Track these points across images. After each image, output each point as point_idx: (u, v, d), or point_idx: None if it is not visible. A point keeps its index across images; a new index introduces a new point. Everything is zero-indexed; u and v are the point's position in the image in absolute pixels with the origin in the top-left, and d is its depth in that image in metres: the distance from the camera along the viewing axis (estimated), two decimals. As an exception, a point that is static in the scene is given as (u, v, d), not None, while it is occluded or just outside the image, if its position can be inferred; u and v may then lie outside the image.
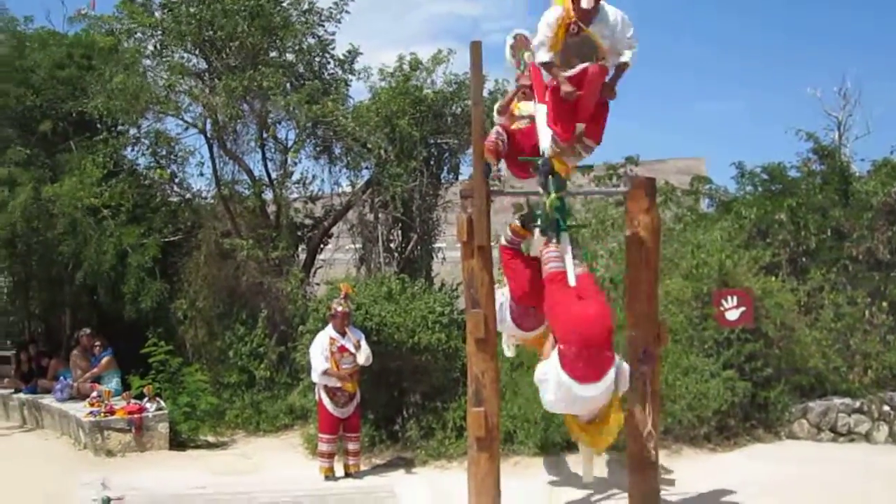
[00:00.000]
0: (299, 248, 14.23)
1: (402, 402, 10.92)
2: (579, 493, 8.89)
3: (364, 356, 9.61)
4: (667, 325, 8.01)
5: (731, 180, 15.60)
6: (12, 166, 12.61)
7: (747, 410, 10.91)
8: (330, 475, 9.69)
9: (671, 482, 9.04)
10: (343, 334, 9.66)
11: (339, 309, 9.68)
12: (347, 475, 9.81)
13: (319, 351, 9.56)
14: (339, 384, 9.55)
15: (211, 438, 11.70)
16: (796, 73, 49.78)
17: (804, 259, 12.85)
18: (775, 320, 11.18)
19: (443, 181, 13.76)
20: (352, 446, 9.86)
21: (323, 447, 9.71)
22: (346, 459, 9.87)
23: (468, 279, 7.60)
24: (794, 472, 9.42)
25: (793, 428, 11.08)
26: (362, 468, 9.98)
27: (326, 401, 9.63)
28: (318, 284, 13.61)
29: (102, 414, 11.31)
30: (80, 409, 11.77)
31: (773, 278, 11.89)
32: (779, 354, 11.20)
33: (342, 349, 9.60)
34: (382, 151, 12.76)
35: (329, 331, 9.70)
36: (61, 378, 12.97)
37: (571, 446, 10.25)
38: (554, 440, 10.20)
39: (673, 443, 10.37)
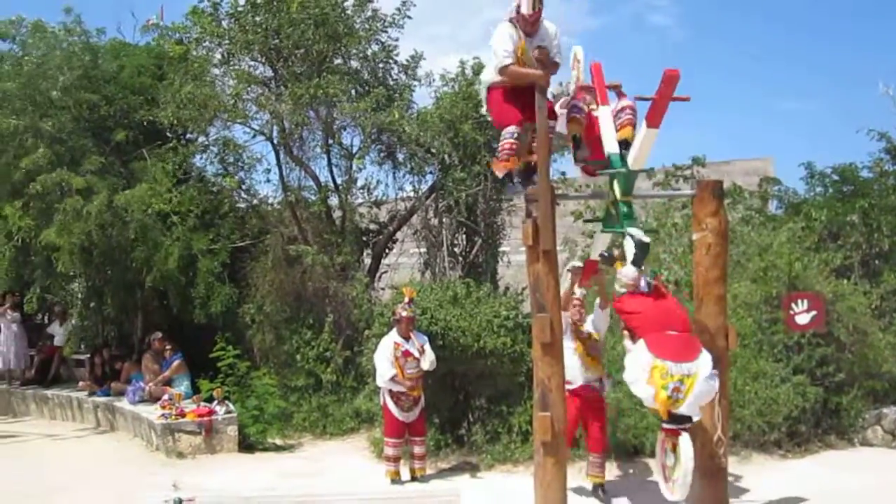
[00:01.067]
0: (364, 253, 14.36)
1: (467, 406, 10.92)
2: (647, 499, 8.78)
3: (428, 361, 9.64)
4: (735, 330, 7.89)
5: (800, 181, 15.33)
6: (88, 175, 12.90)
7: (819, 416, 10.70)
8: (396, 479, 9.71)
9: (743, 490, 8.91)
10: (407, 339, 9.68)
11: (404, 314, 9.71)
12: (413, 479, 9.81)
13: (385, 356, 9.59)
14: (403, 389, 9.56)
15: (279, 441, 11.84)
16: (869, 69, 48.60)
17: (877, 262, 12.58)
18: (847, 324, 10.94)
19: (506, 186, 13.74)
20: (417, 450, 9.86)
21: (389, 451, 9.73)
22: (412, 463, 9.88)
23: (534, 283, 7.58)
24: (868, 480, 9.19)
25: (866, 434, 10.84)
26: (428, 472, 9.99)
27: (391, 405, 9.64)
28: (382, 289, 13.72)
29: (173, 416, 11.55)
30: (152, 412, 12.04)
31: (845, 281, 11.65)
32: (851, 359, 10.96)
33: (407, 354, 9.61)
34: (446, 156, 12.80)
35: (394, 335, 9.72)
36: (134, 381, 13.28)
37: (638, 451, 10.21)
38: (621, 445, 10.13)
39: (742, 449, 10.21)
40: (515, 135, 7.60)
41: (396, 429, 9.68)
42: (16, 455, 11.70)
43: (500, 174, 7.93)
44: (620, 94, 8.00)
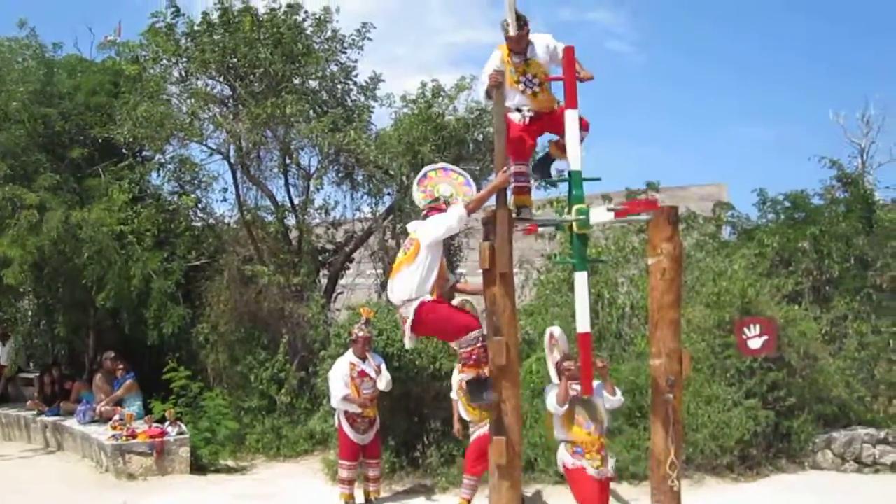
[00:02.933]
0: (321, 274, 14.31)
1: (422, 428, 10.89)
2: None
3: (385, 381, 9.60)
4: (689, 354, 7.95)
5: (752, 207, 15.56)
6: (42, 191, 12.72)
7: (770, 440, 10.83)
8: (350, 501, 9.64)
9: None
10: (364, 359, 9.61)
11: (360, 334, 9.62)
12: (367, 502, 9.76)
13: (340, 376, 9.52)
14: (359, 410, 9.48)
15: (231, 463, 11.71)
16: (819, 101, 49.60)
17: (827, 288, 12.78)
18: (798, 349, 11.10)
19: (466, 204, 13.77)
20: (372, 472, 9.80)
21: (343, 473, 9.64)
22: (367, 486, 9.81)
23: (490, 306, 7.57)
24: (817, 503, 9.31)
25: (816, 458, 10.98)
26: (383, 495, 9.94)
27: (346, 427, 9.56)
28: (339, 310, 13.66)
29: (124, 437, 11.38)
30: (102, 433, 11.85)
31: (797, 307, 11.83)
32: (802, 384, 11.11)
33: (363, 374, 9.53)
34: (404, 178, 12.82)
35: (350, 356, 9.66)
36: (84, 401, 13.07)
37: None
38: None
39: (695, 472, 10.29)
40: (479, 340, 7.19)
41: (351, 451, 9.60)
42: (-41, 476, 11.42)
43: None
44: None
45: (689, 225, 14.11)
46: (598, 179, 7.92)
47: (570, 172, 7.57)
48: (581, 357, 8.24)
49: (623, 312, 12.29)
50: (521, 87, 7.28)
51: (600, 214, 7.39)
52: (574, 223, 7.60)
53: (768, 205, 14.83)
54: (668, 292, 7.75)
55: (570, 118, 7.30)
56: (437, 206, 7.50)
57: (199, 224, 14.63)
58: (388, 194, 13.61)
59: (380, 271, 13.90)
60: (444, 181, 8.04)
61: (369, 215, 14.08)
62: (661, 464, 7.53)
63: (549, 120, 7.36)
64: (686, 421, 9.62)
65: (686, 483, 9.21)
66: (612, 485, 9.90)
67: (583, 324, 7.52)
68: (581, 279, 7.93)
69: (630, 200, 6.77)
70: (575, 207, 7.57)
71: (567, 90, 7.16)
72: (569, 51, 7.08)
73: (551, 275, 13.12)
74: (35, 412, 13.83)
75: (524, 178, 7.44)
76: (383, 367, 9.71)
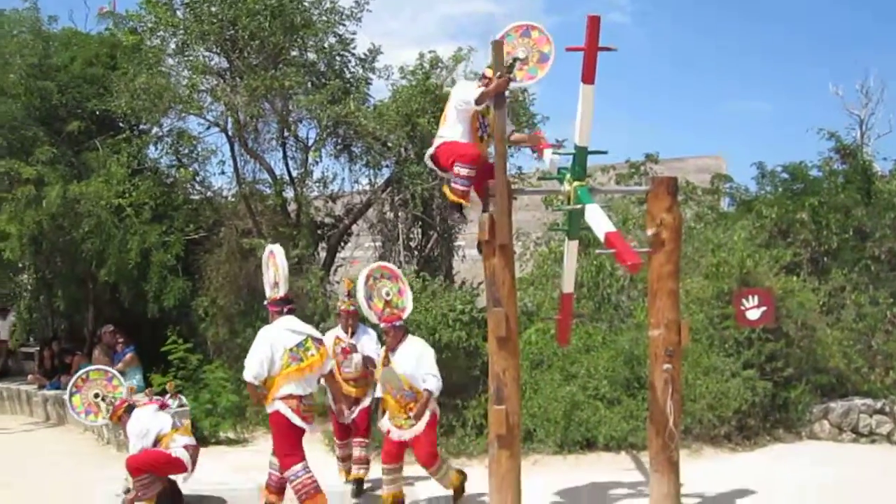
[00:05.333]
0: (319, 247, 14.29)
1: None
2: (599, 493, 8.89)
3: (353, 363, 8.78)
4: (688, 325, 7.99)
5: (751, 180, 15.57)
6: (39, 165, 12.69)
7: (768, 410, 10.89)
8: (350, 478, 9.23)
9: (694, 482, 9.02)
10: (351, 334, 8.88)
11: (342, 307, 8.92)
12: (356, 482, 8.96)
13: None
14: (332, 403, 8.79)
15: (231, 435, 11.74)
16: (819, 74, 49.43)
17: (826, 259, 12.81)
18: (796, 320, 11.15)
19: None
20: (357, 452, 8.93)
21: (337, 451, 9.28)
22: (352, 465, 9.03)
23: (490, 277, 7.61)
24: (814, 473, 9.38)
25: (814, 428, 11.05)
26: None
27: (331, 404, 8.83)
28: (338, 282, 13.66)
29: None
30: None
31: (795, 278, 11.85)
32: (800, 354, 11.16)
33: (346, 351, 8.78)
34: (402, 150, 12.80)
35: (337, 330, 9.00)
36: (84, 374, 13.08)
37: (591, 445, 10.30)
38: (574, 438, 10.22)
39: (693, 442, 10.35)
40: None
41: (339, 430, 9.08)
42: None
43: None
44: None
45: (687, 196, 14.11)
46: (605, 153, 7.99)
47: (576, 147, 7.59)
48: (561, 313, 8.60)
49: (623, 284, 12.33)
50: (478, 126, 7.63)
51: (596, 217, 7.32)
52: (570, 197, 7.64)
53: (767, 177, 14.86)
54: (667, 263, 7.79)
55: (587, 93, 7.26)
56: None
57: (196, 197, 14.60)
58: (387, 166, 13.56)
59: (378, 244, 13.90)
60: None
61: (367, 188, 14.05)
62: (660, 434, 7.60)
63: (480, 170, 7.59)
64: (684, 391, 9.66)
65: (684, 453, 9.28)
66: (611, 454, 10.07)
67: (567, 285, 8.58)
68: (572, 246, 8.13)
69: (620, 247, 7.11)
70: (575, 184, 7.60)
71: (587, 63, 7.03)
72: (593, 20, 6.87)
73: (552, 244, 13.15)
74: (36, 386, 13.89)
75: (465, 181, 7.55)
76: (364, 344, 8.83)
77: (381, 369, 7.98)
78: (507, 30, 7.85)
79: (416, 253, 13.45)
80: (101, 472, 9.92)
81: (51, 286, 15.13)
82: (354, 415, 8.95)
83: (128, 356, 12.94)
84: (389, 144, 12.90)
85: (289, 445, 7.60)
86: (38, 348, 15.01)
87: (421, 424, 7.91)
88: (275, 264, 8.12)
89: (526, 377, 10.44)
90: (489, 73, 7.43)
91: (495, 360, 7.51)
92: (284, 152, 13.96)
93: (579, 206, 7.48)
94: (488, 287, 7.66)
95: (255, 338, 7.74)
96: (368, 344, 8.86)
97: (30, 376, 14.33)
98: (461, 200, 7.58)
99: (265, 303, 8.21)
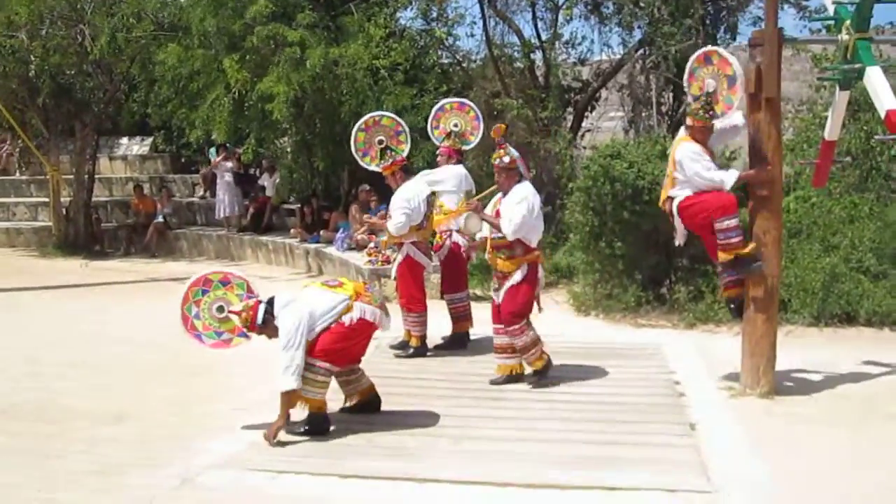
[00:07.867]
0: (566, 111, 14.15)
1: (669, 265, 10.70)
2: (859, 369, 8.42)
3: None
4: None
5: None
6: (301, 29, 13.24)
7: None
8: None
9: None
10: (506, 194, 7.50)
11: (496, 163, 7.59)
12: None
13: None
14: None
15: (479, 292, 12.06)
16: None
17: None
18: None
19: (719, 41, 13.05)
20: (498, 340, 7.70)
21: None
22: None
23: (753, 134, 7.25)
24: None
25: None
26: (627, 327, 9.91)
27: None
28: (584, 148, 13.54)
29: (379, 262, 12.10)
30: (359, 259, 12.66)
31: None
32: None
33: (499, 214, 7.46)
34: (655, 10, 12.31)
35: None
36: (341, 230, 13.92)
37: (851, 319, 9.77)
38: (832, 311, 9.71)
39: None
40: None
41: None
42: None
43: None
44: None
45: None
46: None
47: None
48: (821, 158, 8.32)
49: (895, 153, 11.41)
50: None
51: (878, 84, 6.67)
52: (848, 51, 7.02)
53: None
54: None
55: None
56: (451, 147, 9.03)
57: (447, 61, 14.78)
58: (639, 27, 13.13)
59: (627, 108, 13.57)
60: (458, 115, 9.76)
61: (618, 54, 13.71)
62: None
63: None
64: None
65: None
66: (873, 330, 9.55)
67: (831, 133, 7.87)
68: (842, 96, 7.53)
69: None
70: (856, 36, 6.96)
71: None
72: None
73: (817, 108, 12.29)
74: (298, 239, 14.92)
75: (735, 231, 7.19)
76: (508, 207, 7.37)
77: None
78: (689, 64, 7.48)
79: (667, 117, 13.02)
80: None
81: (310, 147, 15.88)
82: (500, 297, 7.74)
83: (381, 213, 13.53)
84: (642, 4, 12.43)
85: None
86: (298, 205, 16.00)
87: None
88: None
89: (782, 246, 9.99)
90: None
91: (756, 220, 7.24)
92: (534, 13, 13.85)
93: (857, 66, 6.90)
94: (751, 144, 7.31)
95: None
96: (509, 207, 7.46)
97: (292, 230, 15.42)
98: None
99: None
